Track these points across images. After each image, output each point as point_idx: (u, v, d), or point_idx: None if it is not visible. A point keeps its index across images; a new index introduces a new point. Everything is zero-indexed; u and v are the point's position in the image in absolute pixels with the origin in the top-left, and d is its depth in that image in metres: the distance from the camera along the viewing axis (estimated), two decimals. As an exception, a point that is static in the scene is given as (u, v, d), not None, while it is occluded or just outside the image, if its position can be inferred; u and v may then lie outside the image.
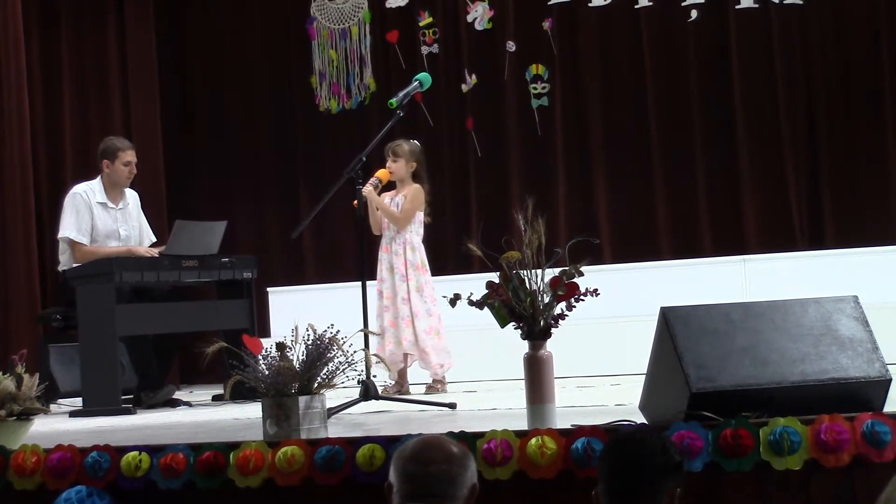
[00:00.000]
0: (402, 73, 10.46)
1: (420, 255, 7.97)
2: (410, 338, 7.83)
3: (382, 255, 7.98)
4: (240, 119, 11.33)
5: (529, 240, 4.87)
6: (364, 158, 6.68)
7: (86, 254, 8.15)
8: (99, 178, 8.42)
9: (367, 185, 7.71)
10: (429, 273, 7.98)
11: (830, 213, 9.72)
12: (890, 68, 9.62)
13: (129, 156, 8.40)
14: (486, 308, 4.94)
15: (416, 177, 8.02)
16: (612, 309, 8.05)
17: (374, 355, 5.74)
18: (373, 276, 8.18)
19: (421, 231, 8.03)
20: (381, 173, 7.85)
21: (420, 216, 8.00)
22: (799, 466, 4.21)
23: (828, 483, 4.24)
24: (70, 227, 8.26)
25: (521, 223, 4.93)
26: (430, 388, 7.85)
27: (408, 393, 7.78)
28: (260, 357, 5.10)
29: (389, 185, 8.02)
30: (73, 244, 8.24)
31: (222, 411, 7.31)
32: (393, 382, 7.82)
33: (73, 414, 7.65)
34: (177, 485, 4.77)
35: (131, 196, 8.58)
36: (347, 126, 10.93)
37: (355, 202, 7.49)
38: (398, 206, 7.95)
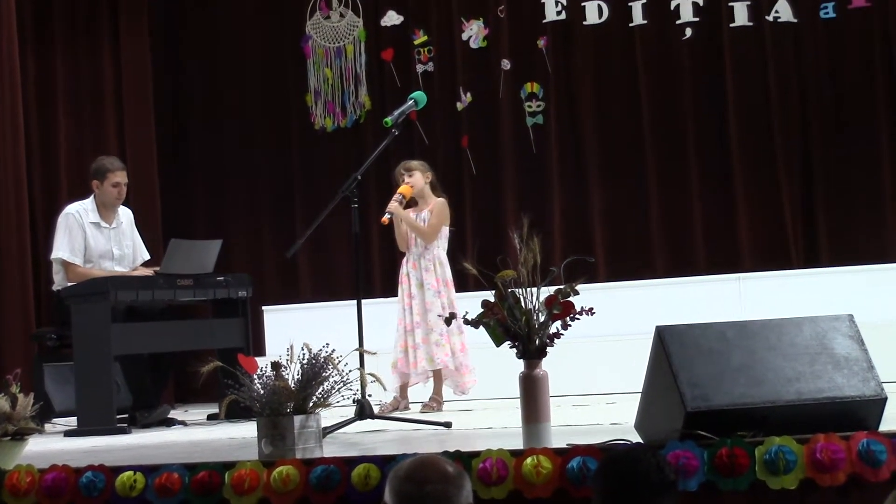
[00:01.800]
0: (397, 92, 10.47)
1: (448, 271, 7.99)
2: (449, 354, 7.83)
3: (410, 271, 7.97)
4: (235, 137, 11.33)
5: (525, 258, 4.87)
6: (359, 177, 6.67)
7: (79, 275, 8.12)
8: (91, 198, 8.41)
9: (392, 201, 7.76)
10: (454, 289, 8.02)
11: (825, 231, 9.73)
12: (884, 86, 9.64)
13: (119, 177, 8.36)
14: (481, 327, 4.93)
15: (433, 188, 8.05)
16: (608, 328, 8.06)
17: (370, 374, 5.72)
18: (370, 295, 8.16)
19: (446, 245, 8.05)
20: (404, 189, 7.90)
21: (445, 230, 8.04)
22: (794, 486, 4.21)
23: (823, 502, 4.24)
24: (63, 248, 8.24)
25: (517, 241, 4.93)
26: (427, 407, 7.84)
27: (408, 409, 7.78)
28: (255, 376, 5.09)
29: (411, 202, 8.05)
30: (66, 265, 8.22)
31: (217, 431, 7.30)
32: (392, 399, 7.82)
33: (67, 433, 7.62)
34: (172, 504, 4.77)
35: (125, 214, 8.56)
36: (342, 144, 10.95)
37: (384, 219, 7.57)
38: (425, 222, 7.97)
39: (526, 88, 10.49)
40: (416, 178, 8.00)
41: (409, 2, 10.89)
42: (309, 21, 11.14)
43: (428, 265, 7.95)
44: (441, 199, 8.07)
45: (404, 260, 8.08)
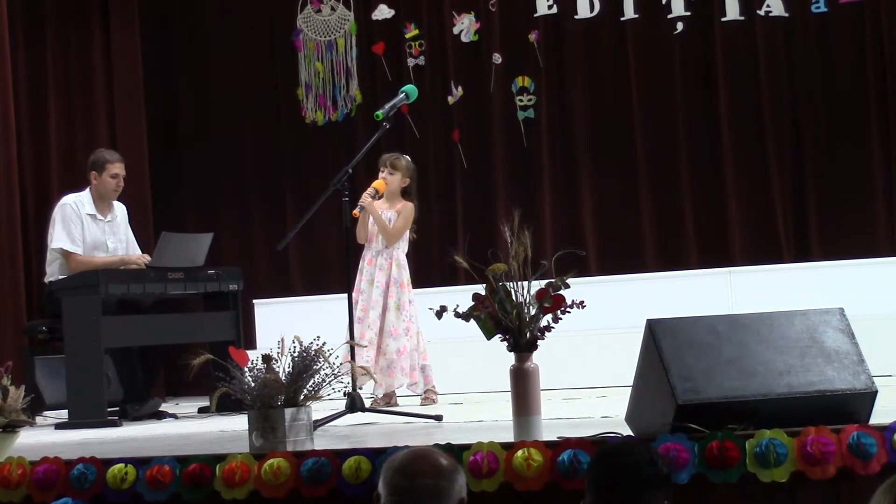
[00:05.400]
0: (389, 85, 10.46)
1: (405, 273, 7.95)
2: (373, 354, 7.80)
3: (365, 267, 7.95)
4: (226, 131, 11.32)
5: (515, 252, 4.87)
6: (350, 170, 6.67)
7: (80, 263, 8.13)
8: (88, 190, 8.42)
9: (366, 195, 7.72)
10: (412, 291, 7.98)
11: (816, 225, 9.74)
12: (874, 81, 9.64)
13: (117, 168, 8.39)
14: (472, 320, 4.94)
15: (405, 193, 8.03)
16: (599, 321, 8.07)
17: (361, 367, 5.73)
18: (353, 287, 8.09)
19: (406, 248, 8.04)
20: (378, 184, 7.86)
21: (407, 233, 8.02)
22: (785, 478, 4.22)
23: (814, 495, 4.25)
24: (62, 238, 8.23)
25: (508, 235, 4.94)
26: (426, 399, 7.84)
27: (395, 404, 7.78)
28: (246, 369, 5.10)
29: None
30: (67, 255, 8.20)
31: (208, 423, 7.29)
32: (381, 394, 7.81)
33: (58, 426, 7.62)
34: (163, 497, 4.77)
35: (119, 209, 8.57)
36: (333, 138, 10.93)
37: (356, 211, 7.52)
38: (390, 222, 7.95)
39: (517, 82, 10.48)
40: (393, 178, 7.96)
41: (400, -5, 10.89)
42: (300, 14, 11.12)
43: (383, 264, 7.93)
44: (410, 204, 8.01)
45: (363, 253, 8.06)
